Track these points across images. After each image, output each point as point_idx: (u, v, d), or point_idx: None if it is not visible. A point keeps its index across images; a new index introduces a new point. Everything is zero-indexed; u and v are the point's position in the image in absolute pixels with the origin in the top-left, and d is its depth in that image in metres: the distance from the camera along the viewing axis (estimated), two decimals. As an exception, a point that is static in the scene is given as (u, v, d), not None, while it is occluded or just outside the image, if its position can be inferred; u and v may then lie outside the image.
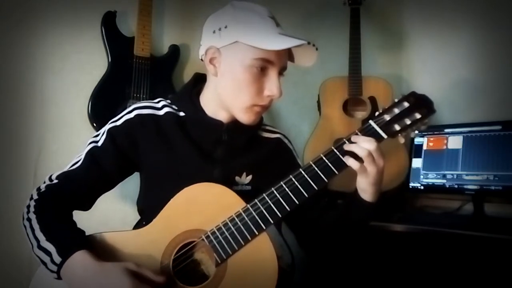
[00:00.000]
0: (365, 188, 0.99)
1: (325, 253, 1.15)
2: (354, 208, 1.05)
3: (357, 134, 0.97)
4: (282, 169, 1.01)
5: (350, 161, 0.95)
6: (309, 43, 0.99)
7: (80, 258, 0.89)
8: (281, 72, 1.04)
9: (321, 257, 1.19)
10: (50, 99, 1.57)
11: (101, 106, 1.58)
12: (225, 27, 1.01)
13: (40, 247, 0.92)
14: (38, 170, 1.52)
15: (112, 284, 0.86)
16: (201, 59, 1.09)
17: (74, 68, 1.61)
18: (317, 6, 2.08)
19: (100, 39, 1.62)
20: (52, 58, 1.58)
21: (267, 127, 1.21)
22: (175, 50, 1.75)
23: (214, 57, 1.04)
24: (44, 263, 0.91)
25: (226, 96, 1.05)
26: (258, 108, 1.04)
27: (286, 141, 1.22)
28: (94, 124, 1.57)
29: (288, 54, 1.05)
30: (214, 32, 1.03)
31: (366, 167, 0.95)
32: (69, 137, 1.58)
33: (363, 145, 0.94)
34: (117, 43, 1.63)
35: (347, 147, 0.95)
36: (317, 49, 1.02)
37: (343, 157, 0.95)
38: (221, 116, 1.09)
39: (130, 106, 1.12)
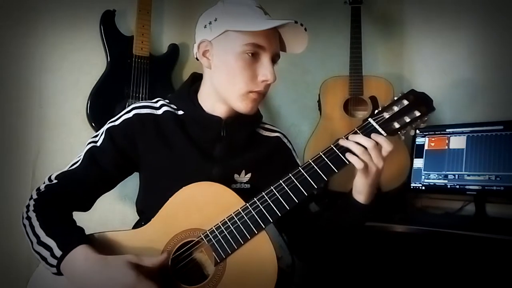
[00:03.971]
0: (362, 188, 0.99)
1: (317, 258, 1.14)
2: (348, 210, 1.04)
3: (356, 132, 0.97)
4: (281, 168, 1.00)
5: (352, 159, 0.94)
6: (296, 22, 0.98)
7: (82, 252, 0.88)
8: (274, 60, 1.04)
9: (312, 262, 1.18)
10: (48, 99, 1.57)
11: (100, 106, 1.57)
12: (215, 20, 1.02)
13: (40, 243, 0.90)
14: (37, 171, 1.52)
15: (115, 277, 0.85)
16: (196, 58, 1.10)
17: (72, 68, 1.61)
18: (317, 5, 2.08)
19: (99, 38, 1.62)
20: (50, 58, 1.58)
21: (267, 126, 1.21)
22: (174, 49, 1.75)
23: (206, 49, 1.05)
24: (44, 258, 0.89)
25: (222, 86, 1.05)
26: (254, 95, 1.03)
27: (285, 140, 1.22)
28: (93, 124, 1.56)
29: (279, 42, 1.05)
30: (205, 27, 1.05)
31: (368, 165, 0.94)
32: (67, 137, 1.58)
33: (361, 142, 0.94)
34: (116, 42, 1.62)
35: (343, 142, 0.95)
36: (305, 29, 1.01)
37: (342, 155, 0.95)
38: (219, 111, 1.08)
39: (129, 106, 1.12)
